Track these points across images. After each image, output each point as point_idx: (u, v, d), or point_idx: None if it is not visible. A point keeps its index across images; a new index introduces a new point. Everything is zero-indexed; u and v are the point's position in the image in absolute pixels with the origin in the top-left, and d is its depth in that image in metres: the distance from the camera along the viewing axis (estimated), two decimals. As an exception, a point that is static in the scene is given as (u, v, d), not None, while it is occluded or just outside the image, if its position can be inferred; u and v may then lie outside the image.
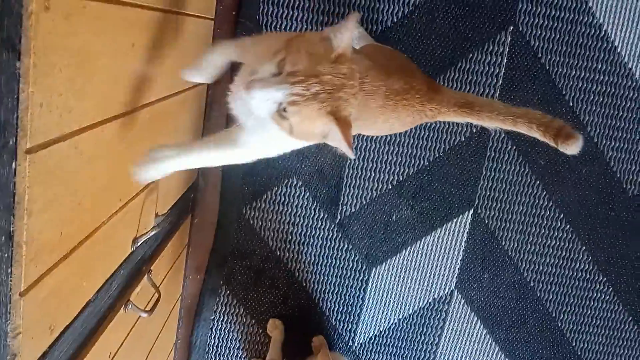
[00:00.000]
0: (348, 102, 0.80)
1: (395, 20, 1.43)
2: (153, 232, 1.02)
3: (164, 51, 0.98)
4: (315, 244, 1.60)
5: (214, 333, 1.66)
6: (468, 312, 1.64)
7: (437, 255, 1.60)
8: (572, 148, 0.98)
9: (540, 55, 1.46)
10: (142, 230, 1.00)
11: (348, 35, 0.78)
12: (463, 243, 1.59)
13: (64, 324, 0.75)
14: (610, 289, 1.61)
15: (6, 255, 0.57)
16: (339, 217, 1.58)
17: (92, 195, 0.74)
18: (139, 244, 0.98)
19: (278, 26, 1.44)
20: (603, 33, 1.45)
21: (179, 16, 1.03)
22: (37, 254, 0.62)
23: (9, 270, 0.58)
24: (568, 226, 1.57)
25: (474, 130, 1.49)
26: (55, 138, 0.60)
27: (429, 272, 1.61)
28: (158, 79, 0.97)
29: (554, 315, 1.64)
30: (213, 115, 1.49)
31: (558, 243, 1.58)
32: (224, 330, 1.65)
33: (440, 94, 1.07)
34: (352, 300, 1.64)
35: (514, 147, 1.49)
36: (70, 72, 0.60)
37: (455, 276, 1.61)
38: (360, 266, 1.61)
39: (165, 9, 0.92)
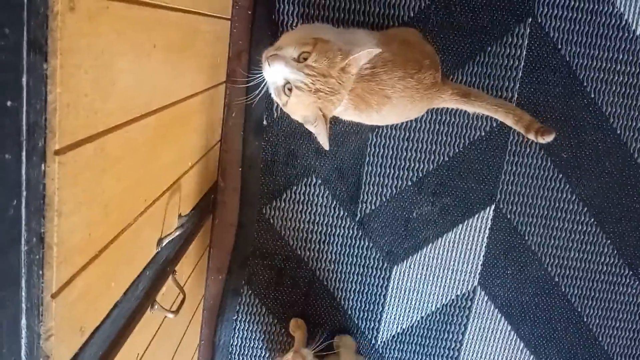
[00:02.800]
0: (333, 106, 1.05)
1: (412, 14, 1.42)
2: (177, 233, 1.02)
3: (184, 52, 0.99)
4: (335, 243, 1.59)
5: (237, 333, 1.66)
6: (492, 309, 1.62)
7: (459, 251, 1.58)
8: (544, 140, 1.25)
9: (560, 46, 1.43)
10: (166, 231, 1.00)
11: (364, 57, 1.01)
12: (485, 239, 1.57)
13: (94, 325, 0.75)
14: (637, 282, 1.58)
15: (37, 257, 0.57)
16: (359, 215, 1.57)
17: (118, 196, 0.75)
18: (163, 244, 0.98)
19: (294, 25, 1.44)
20: (624, 23, 1.42)
21: (197, 16, 1.03)
22: (68, 256, 0.62)
23: (41, 272, 0.58)
24: (592, 220, 1.54)
25: (494, 125, 1.47)
26: (83, 139, 0.60)
27: (451, 268, 1.60)
28: (179, 79, 0.98)
29: (579, 310, 1.61)
30: (231, 116, 1.49)
31: (582, 237, 1.56)
32: (246, 330, 1.66)
33: (445, 84, 1.29)
34: (374, 299, 1.63)
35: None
36: (95, 73, 0.61)
37: (478, 272, 1.60)
38: (381, 264, 1.60)
39: (185, 9, 0.92)
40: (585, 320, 1.62)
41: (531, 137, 1.32)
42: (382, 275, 1.61)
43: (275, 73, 1.00)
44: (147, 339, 1.04)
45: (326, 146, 1.07)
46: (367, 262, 1.60)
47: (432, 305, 1.63)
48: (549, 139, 1.29)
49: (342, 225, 1.58)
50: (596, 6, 1.42)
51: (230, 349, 1.68)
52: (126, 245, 0.80)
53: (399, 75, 1.12)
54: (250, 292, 1.63)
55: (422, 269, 1.60)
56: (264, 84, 1.06)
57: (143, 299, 0.95)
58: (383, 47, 1.12)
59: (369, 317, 1.64)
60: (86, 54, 0.58)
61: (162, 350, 1.18)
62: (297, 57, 0.99)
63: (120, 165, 0.73)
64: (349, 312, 1.64)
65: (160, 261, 1.01)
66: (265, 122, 1.50)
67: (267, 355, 1.68)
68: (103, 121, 0.65)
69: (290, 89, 1.00)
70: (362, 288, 1.62)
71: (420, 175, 1.53)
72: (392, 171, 1.53)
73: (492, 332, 1.64)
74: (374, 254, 1.60)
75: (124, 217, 0.78)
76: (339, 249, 1.60)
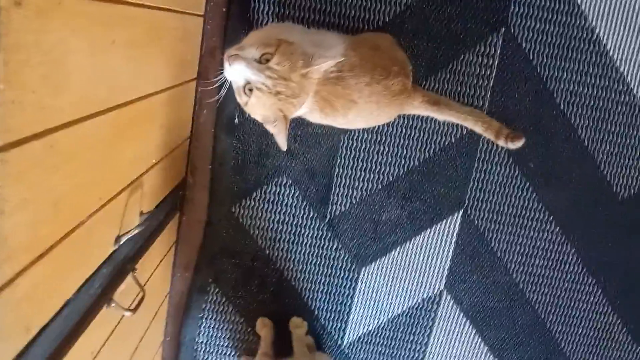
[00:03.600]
0: (294, 108, 1.05)
1: (387, 20, 1.42)
2: (137, 231, 1.01)
3: (148, 48, 0.97)
4: (304, 243, 1.59)
5: (203, 331, 1.65)
6: (457, 312, 1.64)
7: (426, 255, 1.60)
8: (515, 145, 1.31)
9: (531, 57, 1.45)
10: (125, 229, 0.99)
11: (323, 67, 1.01)
12: (452, 244, 1.58)
13: (41, 323, 0.74)
14: (599, 291, 1.61)
15: (-22, 255, 0.56)
16: (328, 217, 1.57)
17: (70, 194, 0.73)
18: (122, 242, 0.97)
19: (269, 23, 1.43)
20: (595, 37, 1.44)
21: (164, 12, 1.02)
22: (11, 254, 0.61)
23: (-19, 270, 0.57)
24: (557, 228, 1.56)
25: (464, 132, 1.48)
26: (29, 136, 0.59)
27: (418, 272, 1.61)
28: (141, 76, 0.96)
29: (542, 316, 1.64)
30: (202, 113, 1.48)
31: (547, 245, 1.58)
32: (212, 328, 1.65)
33: (416, 91, 1.31)
34: (341, 300, 1.63)
35: (504, 149, 1.49)
36: (44, 70, 0.59)
37: (444, 276, 1.61)
38: (349, 265, 1.61)
39: (150, 5, 0.91)
40: (548, 326, 1.65)
41: (501, 143, 1.35)
42: (350, 277, 1.62)
43: (235, 73, 0.99)
44: (103, 336, 1.02)
45: (284, 147, 1.07)
46: (336, 263, 1.61)
47: (398, 308, 1.64)
48: (519, 144, 1.33)
49: (312, 226, 1.58)
50: (569, 19, 1.43)
51: (196, 347, 1.67)
52: (79, 243, 0.79)
53: (366, 80, 1.12)
54: (217, 290, 1.62)
55: (390, 271, 1.61)
56: (229, 82, 1.05)
57: (99, 296, 0.94)
58: (352, 51, 1.13)
59: (336, 318, 1.65)
60: (34, 50, 0.57)
61: (121, 347, 1.17)
62: (259, 58, 0.98)
63: (73, 162, 0.72)
64: (316, 313, 1.65)
65: (119, 258, 1.00)
66: (237, 120, 1.49)
67: (233, 354, 1.67)
68: (53, 118, 0.64)
69: (250, 90, 1.00)
70: (330, 289, 1.63)
71: (391, 178, 1.54)
72: (363, 174, 1.54)
73: (457, 335, 1.66)
74: (342, 256, 1.60)
75: (76, 215, 0.77)
76: (308, 249, 1.60)
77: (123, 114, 0.86)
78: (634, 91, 1.47)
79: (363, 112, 1.18)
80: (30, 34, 0.55)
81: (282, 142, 1.06)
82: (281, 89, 0.98)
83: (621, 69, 1.46)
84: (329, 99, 1.12)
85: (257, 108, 1.04)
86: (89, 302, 0.90)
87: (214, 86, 1.07)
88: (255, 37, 1.06)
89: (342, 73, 1.10)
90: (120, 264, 1.01)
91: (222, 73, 1.04)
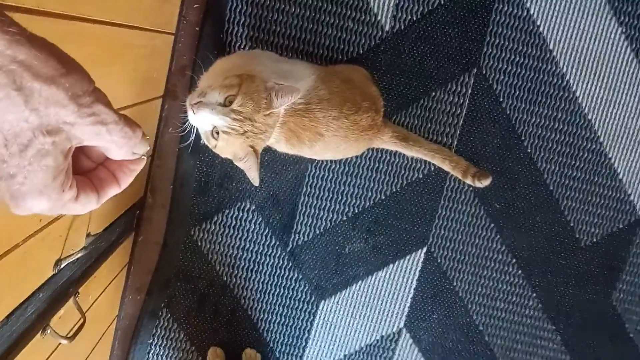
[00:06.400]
0: (263, 142, 1.04)
1: (361, 52, 1.42)
2: (80, 254, 0.95)
3: (108, 67, 0.93)
4: (264, 272, 1.55)
5: (151, 358, 1.58)
6: (415, 352, 1.61)
7: (388, 291, 1.57)
8: (482, 184, 1.39)
9: (501, 99, 1.46)
10: (68, 252, 0.93)
11: (284, 104, 0.99)
12: (414, 281, 1.56)
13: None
14: (559, 337, 1.60)
15: None
16: (290, 246, 1.53)
17: (4, 217, 0.68)
18: (62, 266, 0.91)
19: (242, 47, 1.41)
20: (565, 83, 1.46)
21: (129, 30, 0.98)
22: None
23: None
24: (519, 271, 1.56)
25: (432, 168, 1.48)
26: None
27: (378, 308, 1.58)
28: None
29: (500, 360, 1.62)
30: (167, 131, 1.44)
31: (508, 288, 1.57)
32: (161, 355, 1.58)
33: (386, 126, 1.33)
34: (298, 333, 1.59)
35: (471, 188, 1.48)
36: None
37: (404, 314, 1.58)
38: (309, 297, 1.57)
39: (112, 22, 0.87)
40: (505, 370, 1.63)
41: (469, 181, 1.36)
42: (308, 309, 1.57)
43: (201, 120, 0.97)
44: (36, 364, 0.96)
45: (256, 182, 1.04)
46: (295, 294, 1.56)
47: (356, 344, 1.60)
48: (486, 182, 1.35)
49: (273, 254, 1.54)
50: (540, 64, 1.45)
51: (143, 374, 1.59)
52: (11, 267, 0.73)
53: (334, 114, 1.10)
54: (169, 315, 1.56)
55: (350, 306, 1.58)
56: (195, 128, 1.02)
57: (33, 322, 0.88)
58: (321, 84, 1.11)
59: (291, 352, 1.60)
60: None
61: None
62: (224, 101, 0.96)
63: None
64: (271, 345, 1.59)
65: (59, 282, 0.94)
66: (202, 142, 1.45)
67: (181, 383, 1.60)
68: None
69: (217, 132, 0.97)
70: (287, 321, 1.58)
71: (356, 211, 1.52)
72: (328, 204, 1.51)
73: (414, 375, 1.63)
74: (302, 287, 1.56)
75: (8, 239, 0.71)
76: (267, 278, 1.55)
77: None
78: (601, 139, 1.49)
79: (330, 145, 1.16)
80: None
81: (255, 177, 1.03)
82: (248, 129, 0.96)
83: (589, 117, 1.48)
84: (296, 130, 1.09)
85: (227, 149, 1.01)
86: (21, 330, 0.84)
87: (183, 133, 1.04)
88: (216, 75, 1.03)
89: (310, 105, 1.08)
90: (60, 289, 0.95)
91: (187, 120, 1.01)
